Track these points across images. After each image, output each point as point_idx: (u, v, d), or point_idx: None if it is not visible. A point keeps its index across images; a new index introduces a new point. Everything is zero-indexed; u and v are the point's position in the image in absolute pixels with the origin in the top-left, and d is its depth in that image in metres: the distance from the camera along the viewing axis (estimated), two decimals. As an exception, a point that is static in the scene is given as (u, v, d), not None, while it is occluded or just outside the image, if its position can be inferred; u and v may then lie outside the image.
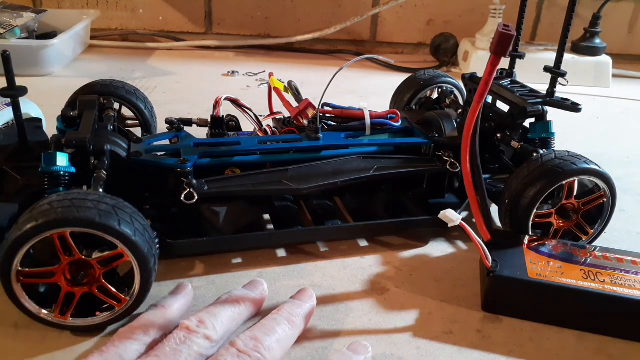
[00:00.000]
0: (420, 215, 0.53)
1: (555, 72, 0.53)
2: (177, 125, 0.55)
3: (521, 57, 0.58)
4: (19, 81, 0.45)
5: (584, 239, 0.51)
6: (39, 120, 0.57)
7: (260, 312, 0.42)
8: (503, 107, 0.57)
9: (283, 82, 0.61)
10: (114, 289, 0.39)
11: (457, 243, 0.54)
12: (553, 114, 0.55)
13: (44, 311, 0.39)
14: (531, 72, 0.77)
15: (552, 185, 0.47)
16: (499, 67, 0.40)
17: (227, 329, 0.38)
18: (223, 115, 0.56)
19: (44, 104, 0.63)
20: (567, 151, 0.50)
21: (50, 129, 0.55)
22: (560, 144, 0.57)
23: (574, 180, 0.48)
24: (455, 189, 0.57)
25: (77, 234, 0.37)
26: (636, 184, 0.69)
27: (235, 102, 0.57)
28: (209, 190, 0.47)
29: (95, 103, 0.50)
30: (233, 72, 1.06)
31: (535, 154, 0.51)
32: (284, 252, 0.51)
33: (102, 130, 0.48)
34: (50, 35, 1.05)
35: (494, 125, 0.57)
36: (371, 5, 1.23)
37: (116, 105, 0.57)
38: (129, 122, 0.61)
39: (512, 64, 0.60)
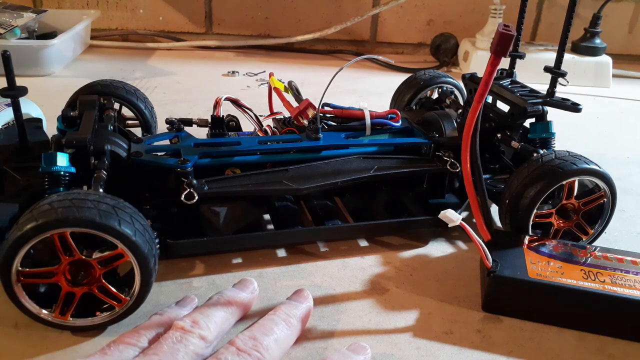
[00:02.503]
0: (420, 215, 0.53)
1: (556, 72, 0.53)
2: (177, 125, 0.54)
3: (521, 57, 0.58)
4: (19, 81, 0.45)
5: (584, 239, 0.51)
6: (39, 120, 0.57)
7: (258, 312, 0.42)
8: (503, 107, 0.57)
9: (283, 82, 0.61)
10: (114, 289, 0.39)
11: (457, 243, 0.54)
12: (553, 114, 0.55)
13: (44, 311, 0.39)
14: (531, 72, 0.77)
15: (552, 185, 0.47)
16: (499, 67, 0.40)
17: (220, 330, 0.39)
18: (223, 115, 0.56)
19: (44, 104, 0.63)
20: (567, 151, 0.50)
21: (50, 129, 0.55)
22: (560, 144, 0.57)
23: (574, 180, 0.48)
24: (455, 189, 0.57)
25: (77, 234, 0.37)
26: (636, 184, 0.69)
27: (235, 102, 0.57)
28: (209, 190, 0.47)
29: (95, 103, 0.50)
30: (233, 72, 1.06)
31: (535, 154, 0.51)
32: (284, 252, 0.51)
33: (102, 130, 0.48)
34: (50, 35, 1.05)
35: (494, 125, 0.57)
36: (371, 5, 1.23)
37: (116, 105, 0.57)
38: (129, 122, 0.61)
39: (512, 64, 0.60)
